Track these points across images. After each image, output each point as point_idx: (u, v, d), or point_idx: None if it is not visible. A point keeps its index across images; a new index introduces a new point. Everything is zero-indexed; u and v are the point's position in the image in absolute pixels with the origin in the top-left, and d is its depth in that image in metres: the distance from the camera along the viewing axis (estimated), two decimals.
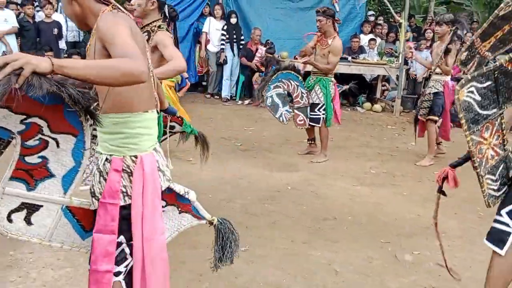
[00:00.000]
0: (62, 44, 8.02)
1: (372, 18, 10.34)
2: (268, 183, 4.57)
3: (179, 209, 2.04)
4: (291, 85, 5.43)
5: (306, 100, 5.45)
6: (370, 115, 8.43)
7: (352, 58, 8.77)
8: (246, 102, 8.78)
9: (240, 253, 2.30)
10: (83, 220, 1.87)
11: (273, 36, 9.11)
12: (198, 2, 8.98)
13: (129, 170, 1.76)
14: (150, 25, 3.13)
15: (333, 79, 5.47)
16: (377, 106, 8.63)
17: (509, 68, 1.78)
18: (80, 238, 1.90)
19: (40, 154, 1.69)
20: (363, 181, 4.85)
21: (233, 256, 2.11)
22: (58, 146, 1.70)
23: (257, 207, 3.95)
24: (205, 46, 8.86)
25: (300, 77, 5.51)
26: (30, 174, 1.70)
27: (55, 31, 7.73)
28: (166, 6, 3.40)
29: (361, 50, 9.18)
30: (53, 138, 1.68)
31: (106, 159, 1.78)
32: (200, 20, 9.06)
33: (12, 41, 7.40)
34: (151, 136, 1.83)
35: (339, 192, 4.45)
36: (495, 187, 2.02)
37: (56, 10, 8.22)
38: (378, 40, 9.55)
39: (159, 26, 3.10)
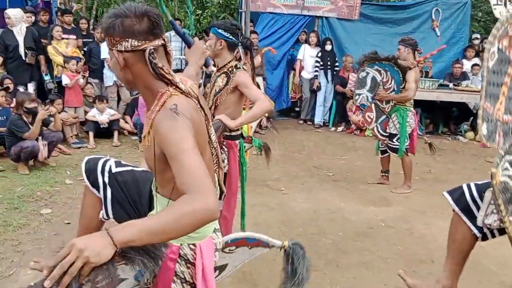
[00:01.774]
0: None
1: (476, 42, 9.78)
2: (361, 218, 4.44)
3: (249, 247, 2.03)
4: (390, 83, 5.27)
5: (387, 108, 5.29)
6: (473, 145, 7.92)
7: (454, 85, 8.34)
8: (340, 129, 8.68)
9: None
10: None
11: None
12: (295, 29, 9.13)
13: (186, 258, 1.62)
14: (226, 66, 3.13)
15: (412, 109, 5.27)
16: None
17: None
18: None
19: None
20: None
21: (304, 282, 2.00)
22: None
23: (349, 244, 3.84)
24: (299, 73, 8.95)
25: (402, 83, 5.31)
26: None
27: None
28: (241, 37, 3.40)
29: (464, 76, 8.70)
30: None
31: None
32: (294, 47, 9.19)
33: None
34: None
35: (438, 232, 4.19)
36: None
37: None
38: None
39: (236, 66, 3.11)
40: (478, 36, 10.18)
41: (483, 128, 1.37)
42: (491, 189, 2.09)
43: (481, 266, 3.55)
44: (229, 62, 3.15)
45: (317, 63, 8.78)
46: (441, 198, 2.62)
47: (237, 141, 3.21)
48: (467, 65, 8.99)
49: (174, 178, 1.37)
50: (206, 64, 2.54)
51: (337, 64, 8.88)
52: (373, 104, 5.37)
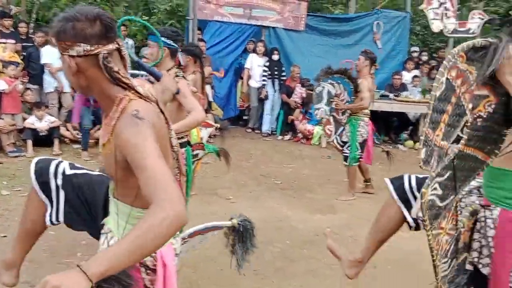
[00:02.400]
0: None
1: (415, 54, 10.25)
2: (308, 226, 4.51)
3: (203, 234, 2.16)
4: (343, 95, 5.48)
5: (344, 119, 5.46)
6: (413, 153, 8.26)
7: (394, 95, 8.68)
8: (287, 137, 8.80)
9: None
10: None
11: (314, 73, 9.14)
12: (242, 38, 9.20)
13: (145, 264, 1.60)
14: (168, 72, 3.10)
15: (365, 119, 5.46)
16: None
17: (465, 151, 1.70)
18: None
19: None
20: (406, 226, 4.70)
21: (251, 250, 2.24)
22: None
23: (296, 252, 3.89)
24: (247, 82, 9.02)
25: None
26: None
27: None
28: (191, 46, 3.39)
29: (404, 87, 9.08)
30: None
31: None
32: (242, 56, 9.25)
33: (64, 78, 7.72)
34: None
35: None
36: (446, 267, 1.90)
37: None
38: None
39: (176, 75, 3.10)
40: (417, 49, 10.68)
41: (422, 152, 1.46)
42: (421, 201, 2.22)
43: (420, 269, 3.68)
44: (170, 70, 3.13)
45: (264, 72, 8.89)
46: (382, 203, 2.77)
47: (182, 149, 3.18)
48: (406, 76, 9.39)
49: (137, 185, 1.34)
50: (156, 77, 2.50)
51: (284, 73, 9.02)
52: (331, 117, 5.55)
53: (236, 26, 9.12)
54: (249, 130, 9.16)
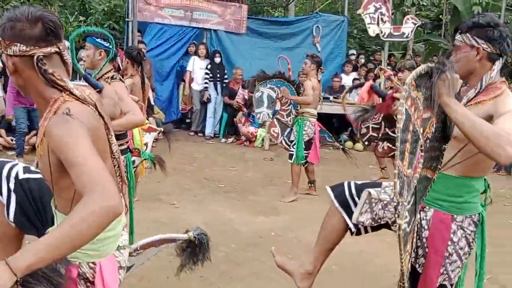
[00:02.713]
0: None
1: (353, 57, 10.59)
2: (252, 229, 4.55)
3: (156, 246, 2.13)
4: (285, 98, 5.63)
5: (289, 120, 5.58)
6: (353, 154, 8.48)
7: (334, 97, 8.93)
8: (230, 140, 8.82)
9: None
10: None
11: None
12: (184, 41, 9.13)
13: (85, 277, 1.55)
14: (103, 77, 3.05)
15: (311, 119, 5.60)
16: (359, 145, 8.74)
17: (423, 173, 1.82)
18: None
19: None
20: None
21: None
22: None
23: (240, 255, 3.92)
24: (189, 85, 8.96)
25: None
26: None
27: None
28: (131, 49, 3.35)
29: (342, 89, 9.33)
30: None
31: None
32: (184, 58, 9.18)
33: None
34: (115, 237, 1.63)
35: None
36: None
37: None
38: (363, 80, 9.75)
39: (112, 77, 3.06)
40: (354, 52, 11.05)
41: (396, 185, 1.52)
42: (367, 191, 2.32)
43: (365, 272, 3.82)
44: (107, 73, 3.07)
45: (206, 75, 8.86)
46: (325, 205, 2.84)
47: (123, 156, 3.12)
48: (345, 79, 9.68)
49: (72, 187, 1.33)
50: (97, 88, 2.44)
51: (226, 76, 9.04)
52: (275, 120, 5.67)
53: (177, 29, 9.04)
54: (192, 133, 9.10)
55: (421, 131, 1.74)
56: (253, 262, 3.82)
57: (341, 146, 6.12)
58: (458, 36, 2.03)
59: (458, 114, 1.72)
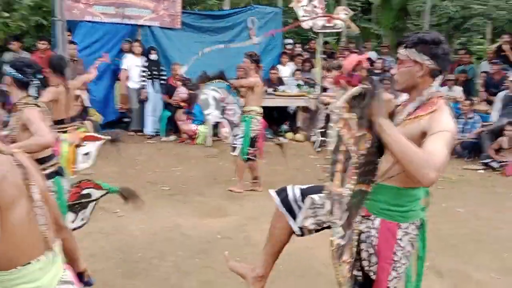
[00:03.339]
0: None
1: (290, 47, 10.69)
2: (198, 233, 4.53)
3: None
4: (227, 98, 5.71)
5: (236, 119, 5.69)
6: (293, 145, 8.66)
7: (273, 90, 9.01)
8: (171, 138, 8.70)
9: None
10: None
11: (194, 70, 9.10)
12: (117, 38, 8.86)
13: None
14: (17, 103, 3.10)
15: (258, 117, 5.72)
16: (299, 136, 8.90)
17: (357, 188, 1.90)
18: None
19: None
20: None
21: None
22: None
23: (190, 264, 3.90)
24: (125, 83, 8.72)
25: (238, 96, 5.78)
26: None
27: None
28: (54, 58, 3.28)
29: (280, 81, 9.44)
30: None
31: None
32: (118, 56, 8.91)
33: None
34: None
35: None
36: None
37: None
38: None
39: (25, 103, 3.09)
40: (291, 41, 11.15)
41: (327, 205, 1.57)
42: (310, 197, 2.41)
43: (312, 268, 3.92)
44: (21, 99, 3.10)
45: (143, 72, 8.66)
46: (271, 202, 2.91)
47: (50, 180, 3.08)
48: (282, 70, 9.77)
49: None
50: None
51: (164, 73, 8.88)
52: (224, 120, 5.73)
53: (109, 26, 8.73)
54: (132, 133, 8.88)
55: (355, 148, 1.82)
56: (203, 269, 3.80)
57: (278, 143, 6.36)
58: (402, 50, 2.08)
59: (387, 135, 1.80)
